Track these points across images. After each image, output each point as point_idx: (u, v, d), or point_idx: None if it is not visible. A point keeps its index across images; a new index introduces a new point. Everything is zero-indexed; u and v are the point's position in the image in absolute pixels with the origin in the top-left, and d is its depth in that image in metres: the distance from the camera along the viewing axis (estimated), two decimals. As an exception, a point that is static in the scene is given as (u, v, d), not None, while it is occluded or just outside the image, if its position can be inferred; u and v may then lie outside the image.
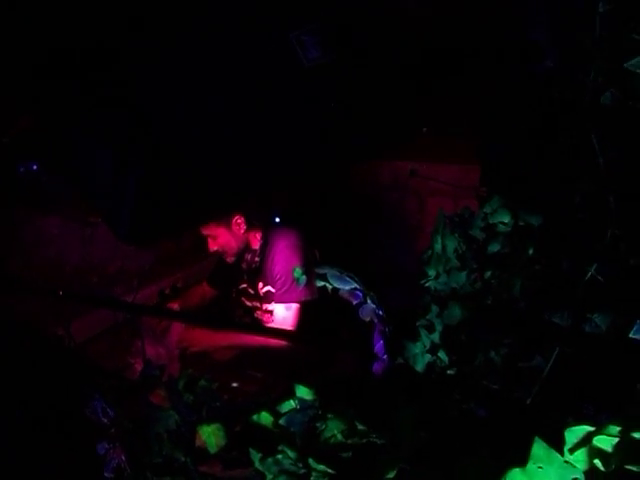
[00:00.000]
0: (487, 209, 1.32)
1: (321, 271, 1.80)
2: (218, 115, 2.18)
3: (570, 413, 1.08)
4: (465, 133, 2.63)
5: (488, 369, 1.29)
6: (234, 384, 2.64)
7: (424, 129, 3.15)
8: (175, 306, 3.13)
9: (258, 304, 2.95)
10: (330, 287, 1.79)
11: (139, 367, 2.63)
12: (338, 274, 1.82)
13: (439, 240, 1.37)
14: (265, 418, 1.56)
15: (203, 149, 2.19)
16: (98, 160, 2.22)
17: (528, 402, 1.18)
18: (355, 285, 1.84)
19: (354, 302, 1.83)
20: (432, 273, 1.39)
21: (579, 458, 0.92)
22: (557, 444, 0.93)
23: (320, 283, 1.79)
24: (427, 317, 1.40)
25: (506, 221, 1.29)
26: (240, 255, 2.96)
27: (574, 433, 0.93)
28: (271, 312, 2.82)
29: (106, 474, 1.29)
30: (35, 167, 2.63)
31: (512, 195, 1.28)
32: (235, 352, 2.80)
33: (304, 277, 1.80)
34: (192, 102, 2.19)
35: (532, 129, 1.28)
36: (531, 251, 1.26)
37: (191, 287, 3.37)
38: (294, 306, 2.74)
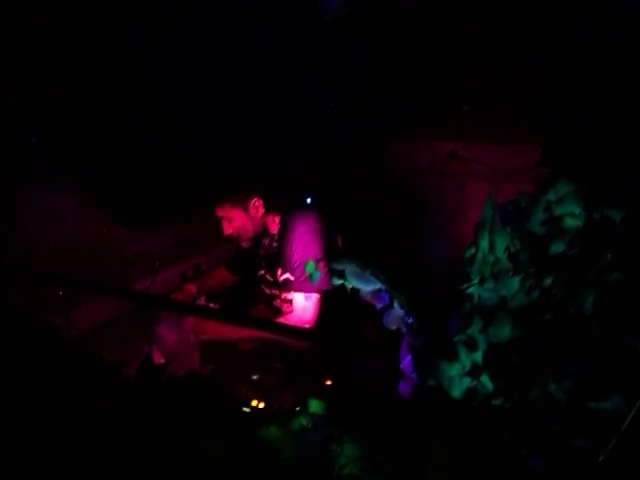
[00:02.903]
0: (551, 196, 1.00)
1: (339, 267, 1.56)
2: (229, 93, 1.95)
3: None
4: (517, 109, 2.35)
5: (546, 405, 0.99)
6: (254, 376, 2.50)
7: (465, 107, 2.90)
8: (192, 288, 2.92)
9: (277, 292, 2.74)
10: (349, 287, 1.56)
11: (157, 356, 2.45)
12: (359, 271, 1.58)
13: (486, 236, 1.06)
14: (274, 433, 1.33)
15: (211, 126, 1.97)
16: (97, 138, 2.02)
17: (601, 459, 0.87)
18: (380, 285, 1.59)
19: (378, 306, 1.59)
20: (476, 277, 1.09)
21: None
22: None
23: (338, 281, 1.56)
24: (468, 332, 1.10)
25: (577, 213, 0.98)
26: (257, 240, 2.72)
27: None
28: (290, 301, 2.61)
29: None
30: (35, 139, 2.42)
31: (586, 179, 0.96)
32: (255, 342, 2.60)
33: (318, 273, 1.56)
34: (201, 78, 1.97)
35: (614, 92, 0.96)
36: (610, 254, 0.94)
37: (213, 269, 3.18)
38: (314, 296, 2.54)
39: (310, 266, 1.49)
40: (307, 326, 2.54)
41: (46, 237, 2.59)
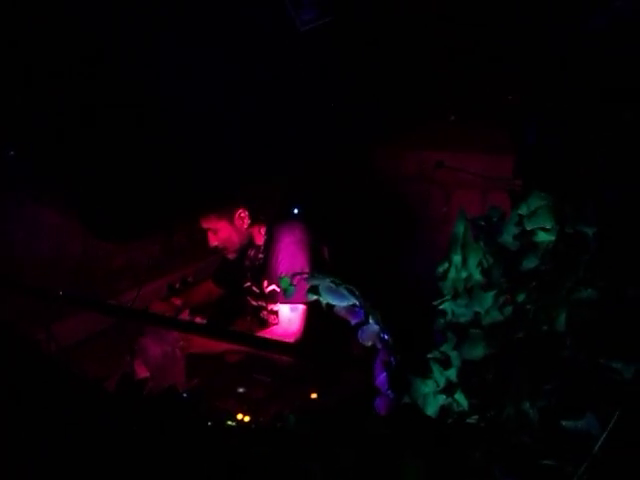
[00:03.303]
0: (523, 210, 0.98)
1: (313, 282, 1.53)
2: (212, 104, 1.93)
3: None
4: (496, 117, 2.33)
5: (520, 423, 0.97)
6: (240, 389, 2.49)
7: (452, 117, 2.90)
8: (177, 302, 2.89)
9: (263, 304, 2.72)
10: (324, 302, 1.52)
11: (141, 370, 2.42)
12: (333, 287, 1.54)
13: (459, 250, 1.04)
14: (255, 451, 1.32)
15: (194, 136, 1.95)
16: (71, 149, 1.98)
17: (575, 479, 0.85)
18: (354, 301, 1.56)
19: (353, 321, 1.55)
20: (449, 293, 1.06)
21: None
22: None
23: (312, 297, 1.53)
24: (442, 349, 1.07)
25: (549, 227, 0.96)
26: (243, 251, 2.71)
27: None
28: (277, 313, 2.59)
29: None
30: (12, 153, 2.39)
31: (558, 191, 0.94)
32: (240, 355, 2.58)
33: (292, 288, 1.53)
34: (183, 82, 1.94)
35: (589, 100, 0.94)
36: (582, 270, 0.92)
37: (201, 282, 3.15)
38: (301, 307, 2.52)
39: (284, 281, 1.47)
40: (293, 338, 2.52)
41: (31, 250, 2.57)
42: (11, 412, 1.43)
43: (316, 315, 2.52)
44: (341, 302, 1.57)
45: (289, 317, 2.53)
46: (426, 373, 1.09)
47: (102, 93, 1.91)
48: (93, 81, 2.00)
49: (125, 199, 2.13)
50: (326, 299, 1.52)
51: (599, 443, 0.84)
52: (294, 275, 1.71)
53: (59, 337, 2.23)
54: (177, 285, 3.05)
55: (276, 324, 2.61)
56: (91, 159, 2.07)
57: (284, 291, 1.53)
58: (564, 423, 0.91)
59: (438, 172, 3.13)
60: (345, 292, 1.54)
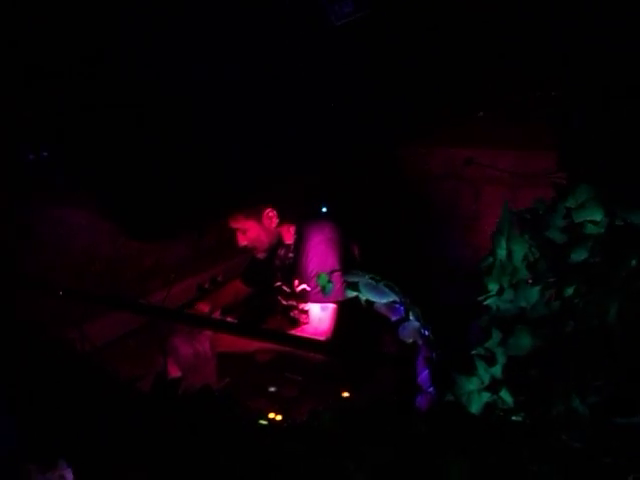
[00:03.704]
0: (570, 203, 0.96)
1: (352, 279, 1.51)
2: (238, 103, 1.92)
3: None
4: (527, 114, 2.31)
5: (570, 421, 0.94)
6: (272, 388, 2.48)
7: (480, 113, 2.87)
8: (205, 307, 2.89)
9: (294, 303, 2.70)
10: (363, 299, 1.50)
11: (173, 370, 2.43)
12: (373, 283, 1.52)
13: (503, 244, 1.02)
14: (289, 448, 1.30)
15: (219, 137, 1.94)
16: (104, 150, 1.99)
17: (630, 478, 0.83)
18: (394, 297, 1.54)
19: (393, 318, 1.53)
20: (494, 287, 1.04)
21: None
22: None
23: (351, 294, 1.52)
24: (486, 345, 1.05)
25: (598, 220, 0.93)
26: (272, 251, 2.69)
27: None
28: (307, 312, 2.57)
29: None
30: (45, 154, 2.41)
31: (607, 184, 0.92)
32: (271, 353, 2.57)
33: (331, 285, 1.52)
34: (207, 88, 1.94)
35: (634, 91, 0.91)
36: (634, 261, 0.90)
37: (229, 281, 3.15)
38: (331, 306, 2.49)
39: (322, 278, 1.45)
40: (324, 337, 2.51)
41: (63, 252, 2.59)
42: (50, 410, 1.44)
43: (347, 314, 2.50)
44: (381, 299, 1.56)
45: (319, 316, 2.51)
46: (470, 370, 1.07)
47: (134, 94, 1.92)
48: (124, 82, 2.01)
49: (155, 199, 2.13)
50: (366, 296, 1.51)
51: (656, 440, 0.82)
52: (324, 273, 1.70)
53: (92, 337, 2.24)
54: (206, 285, 3.05)
55: (307, 323, 2.60)
56: (122, 159, 2.08)
57: (322, 288, 1.52)
58: (617, 420, 0.89)
59: (467, 169, 3.10)
60: (385, 289, 1.53)
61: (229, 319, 2.61)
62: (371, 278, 1.50)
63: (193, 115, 1.99)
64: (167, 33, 1.79)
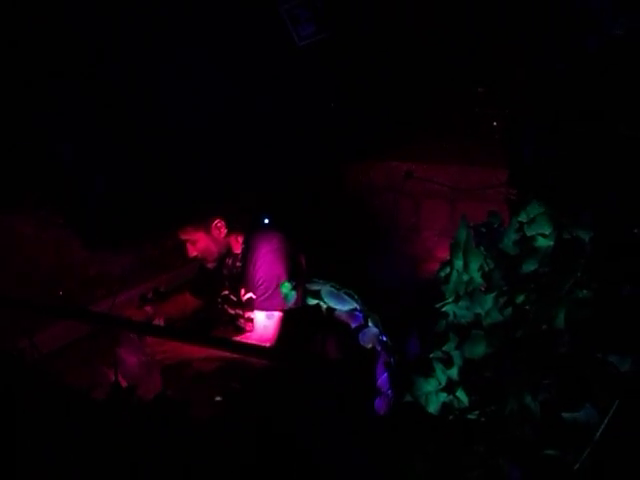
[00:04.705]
0: (522, 217, 1.05)
1: (314, 287, 1.55)
2: (196, 114, 1.95)
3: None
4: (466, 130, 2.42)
5: (522, 417, 1.03)
6: (217, 398, 2.47)
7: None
8: (149, 309, 2.87)
9: (241, 311, 2.72)
10: (325, 306, 1.54)
11: (120, 380, 2.40)
12: (334, 291, 1.56)
13: (460, 255, 1.10)
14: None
15: (175, 150, 1.96)
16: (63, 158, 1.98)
17: (576, 467, 0.92)
18: (354, 305, 1.58)
19: (353, 325, 1.57)
20: (451, 295, 1.12)
21: None
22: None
23: (313, 301, 1.55)
24: (444, 349, 1.13)
25: (547, 233, 1.03)
26: (221, 260, 2.71)
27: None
28: (253, 320, 2.59)
29: None
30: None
31: (556, 200, 1.02)
32: (216, 363, 2.57)
33: (293, 293, 1.55)
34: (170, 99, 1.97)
35: (584, 114, 1.02)
36: (579, 272, 1.00)
37: (173, 292, 3.13)
38: (276, 314, 2.52)
39: (285, 287, 1.49)
40: (268, 344, 2.54)
41: (5, 261, 2.53)
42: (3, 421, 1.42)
43: (291, 322, 2.54)
44: (343, 306, 1.61)
45: (265, 324, 2.53)
46: (428, 372, 1.15)
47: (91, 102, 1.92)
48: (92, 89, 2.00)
49: (103, 208, 2.12)
50: (327, 303, 1.55)
51: (600, 431, 0.91)
52: (288, 281, 1.74)
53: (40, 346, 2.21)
54: (149, 295, 3.03)
55: (252, 331, 2.62)
56: (68, 167, 2.06)
57: (285, 296, 1.55)
58: (564, 415, 0.98)
59: (407, 182, 3.21)
60: (345, 297, 1.58)
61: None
62: (332, 286, 1.54)
63: (148, 130, 2.00)
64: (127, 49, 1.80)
